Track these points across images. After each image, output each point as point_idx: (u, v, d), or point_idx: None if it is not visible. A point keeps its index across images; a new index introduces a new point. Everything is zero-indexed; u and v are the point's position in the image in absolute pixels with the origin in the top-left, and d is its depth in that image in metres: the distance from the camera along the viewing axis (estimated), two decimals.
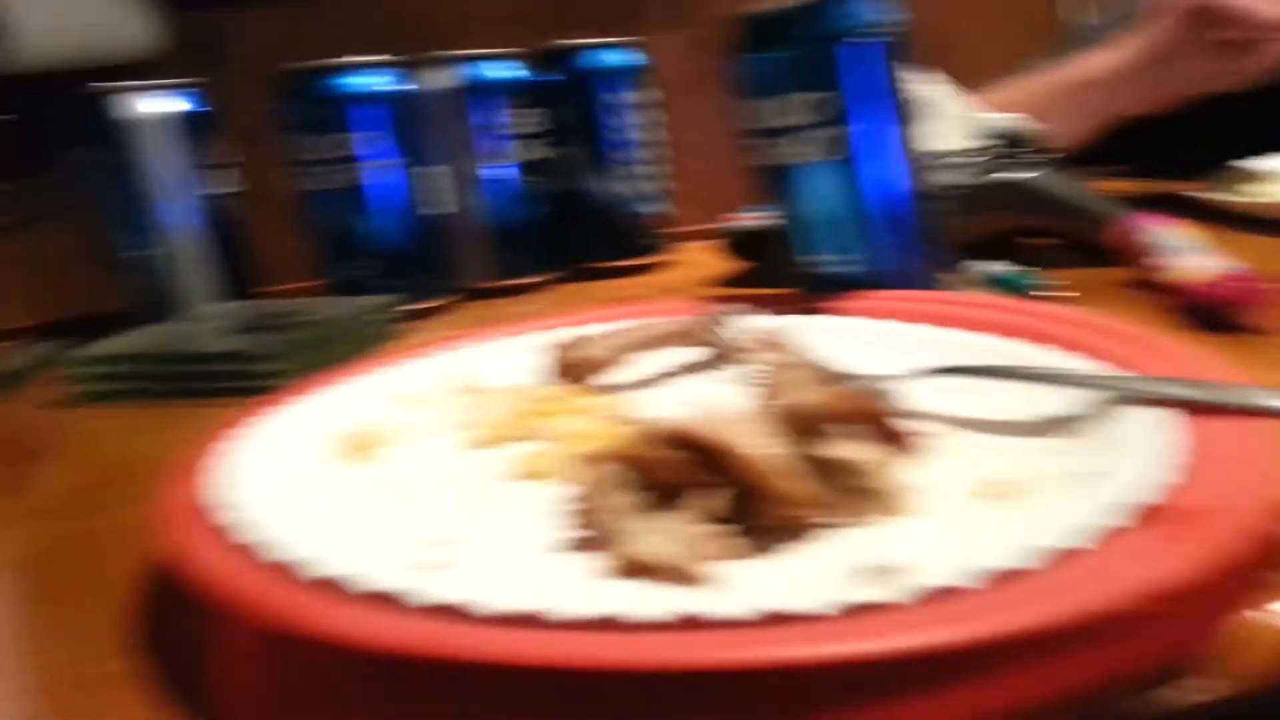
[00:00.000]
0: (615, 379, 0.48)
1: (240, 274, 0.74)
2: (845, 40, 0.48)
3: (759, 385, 0.37)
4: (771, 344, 0.41)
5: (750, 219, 0.72)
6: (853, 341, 0.46)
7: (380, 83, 0.68)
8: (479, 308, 0.74)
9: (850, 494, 0.31)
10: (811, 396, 0.33)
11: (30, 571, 0.37)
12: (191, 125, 0.70)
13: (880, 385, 0.38)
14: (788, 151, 0.51)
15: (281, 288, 0.83)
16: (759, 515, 0.30)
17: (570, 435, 0.41)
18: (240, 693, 0.28)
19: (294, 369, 0.55)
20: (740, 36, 0.52)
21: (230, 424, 0.40)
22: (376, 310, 0.64)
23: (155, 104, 0.69)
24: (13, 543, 0.39)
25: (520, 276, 0.76)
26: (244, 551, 0.28)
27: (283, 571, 0.26)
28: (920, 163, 0.51)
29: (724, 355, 0.48)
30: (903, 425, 0.33)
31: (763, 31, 0.50)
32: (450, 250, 0.75)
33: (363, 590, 0.25)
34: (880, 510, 0.31)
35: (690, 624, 0.23)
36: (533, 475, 0.38)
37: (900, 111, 0.50)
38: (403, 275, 0.70)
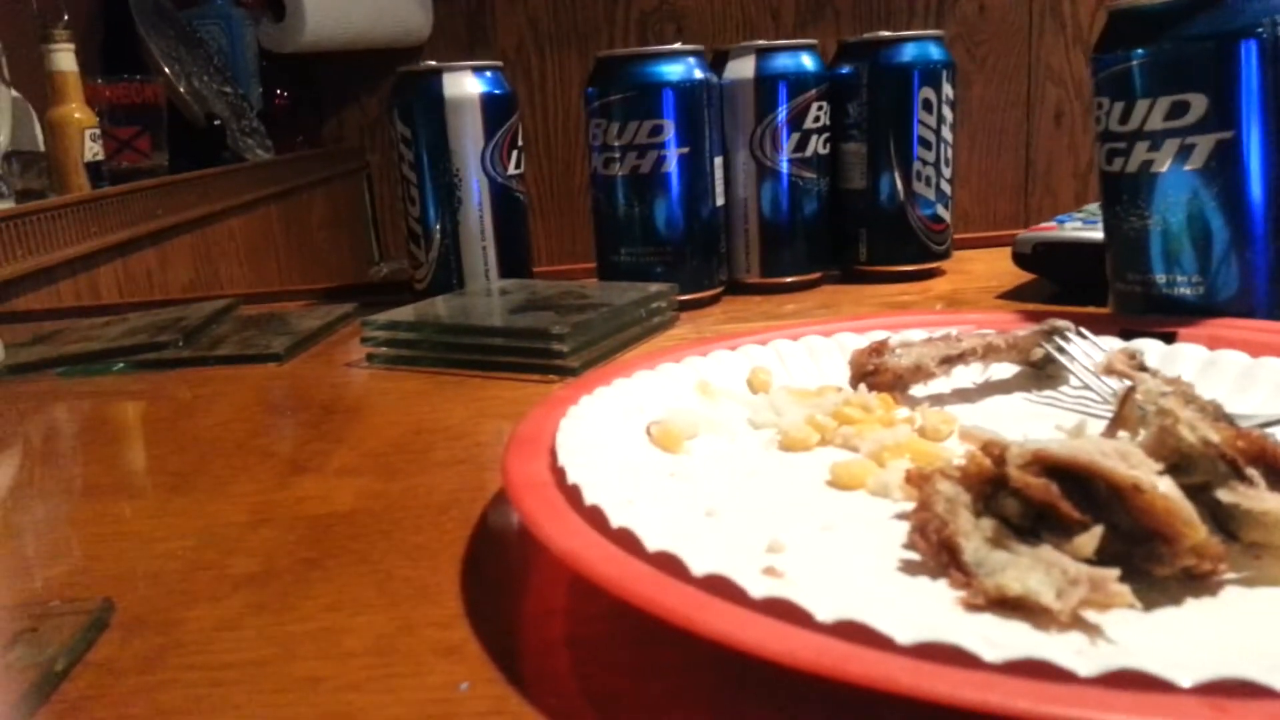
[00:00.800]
0: (924, 389, 0.45)
1: (519, 252, 0.75)
2: (1249, 36, 0.43)
3: (1127, 415, 0.34)
4: (1138, 369, 0.37)
5: (1048, 229, 0.67)
6: (1206, 374, 0.41)
7: (682, 71, 0.67)
8: (749, 302, 0.73)
9: (1258, 549, 0.27)
10: (1207, 433, 0.29)
11: (346, 531, 0.37)
12: (490, 106, 0.71)
13: (1264, 425, 0.34)
14: (1142, 158, 0.47)
15: (550, 268, 0.85)
16: (1149, 561, 0.27)
17: (883, 446, 0.38)
18: (562, 674, 0.27)
19: (579, 350, 0.56)
20: (1113, 31, 0.48)
21: (544, 402, 0.40)
22: (655, 298, 0.64)
23: (463, 83, 0.71)
24: (327, 500, 0.41)
25: (793, 273, 0.74)
26: (620, 539, 0.27)
27: (661, 564, 0.25)
28: None
29: (1055, 374, 0.44)
30: None
31: (1141, 26, 0.46)
32: (728, 242, 0.74)
33: (758, 596, 0.23)
34: None
35: (1124, 682, 0.20)
36: (845, 485, 0.36)
37: None
38: (679, 264, 0.70)
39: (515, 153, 0.74)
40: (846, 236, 0.76)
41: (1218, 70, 0.45)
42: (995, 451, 0.31)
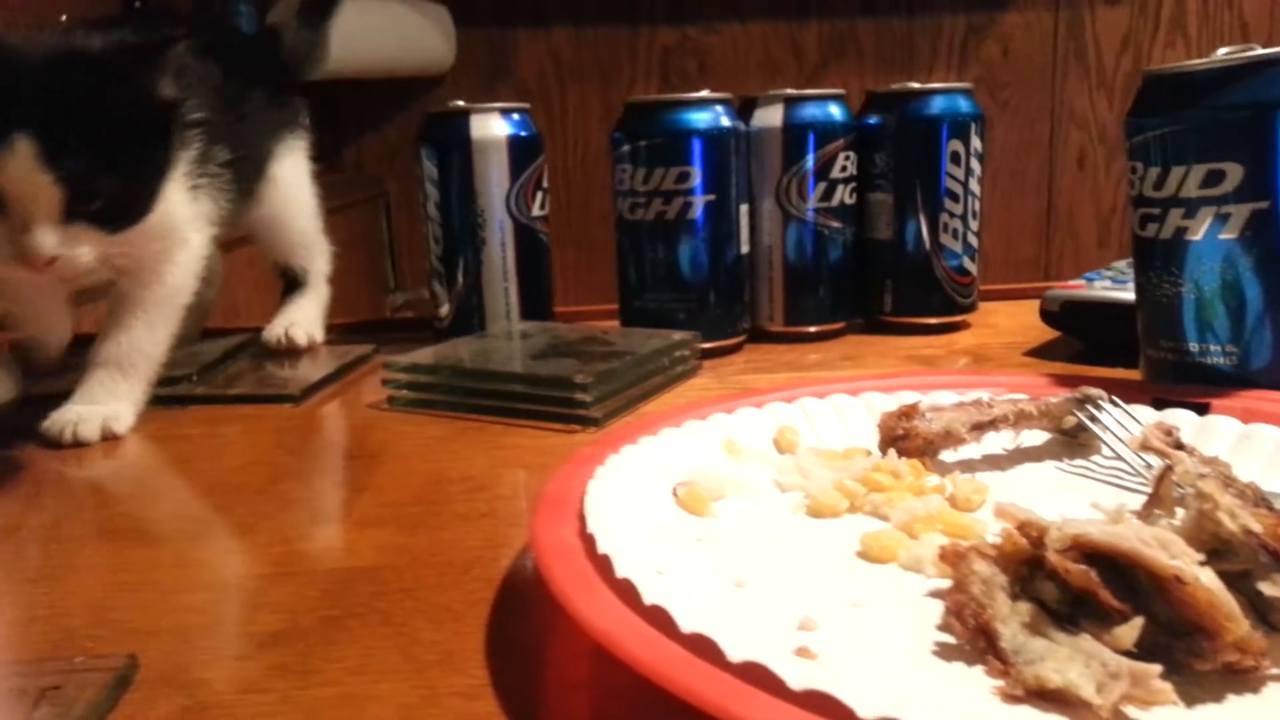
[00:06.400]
0: (953, 456, 0.45)
1: (541, 294, 0.75)
2: None
3: (1164, 495, 0.33)
4: (1175, 446, 0.36)
5: (1077, 288, 0.66)
6: (1241, 449, 0.41)
7: (710, 119, 0.67)
8: (772, 351, 0.72)
9: None
10: (1248, 522, 0.29)
11: (369, 587, 0.37)
12: (516, 148, 0.72)
13: None
14: (1176, 224, 0.46)
15: (569, 309, 0.84)
16: (1190, 655, 0.27)
17: (914, 517, 0.38)
18: None
19: (602, 399, 0.55)
20: (1149, 96, 0.48)
21: (571, 460, 0.40)
22: (679, 346, 0.63)
23: (490, 125, 0.71)
24: (350, 553, 0.40)
25: (817, 323, 0.74)
26: (653, 616, 0.27)
27: (695, 646, 0.25)
28: None
29: (1087, 443, 0.44)
30: None
31: (1177, 93, 0.46)
32: (752, 289, 0.74)
33: (797, 687, 0.23)
34: None
35: None
36: (876, 557, 0.36)
37: None
38: (702, 311, 0.69)
39: (540, 194, 0.74)
40: (871, 286, 0.75)
41: (1254, 140, 0.45)
42: (1033, 533, 0.30)
